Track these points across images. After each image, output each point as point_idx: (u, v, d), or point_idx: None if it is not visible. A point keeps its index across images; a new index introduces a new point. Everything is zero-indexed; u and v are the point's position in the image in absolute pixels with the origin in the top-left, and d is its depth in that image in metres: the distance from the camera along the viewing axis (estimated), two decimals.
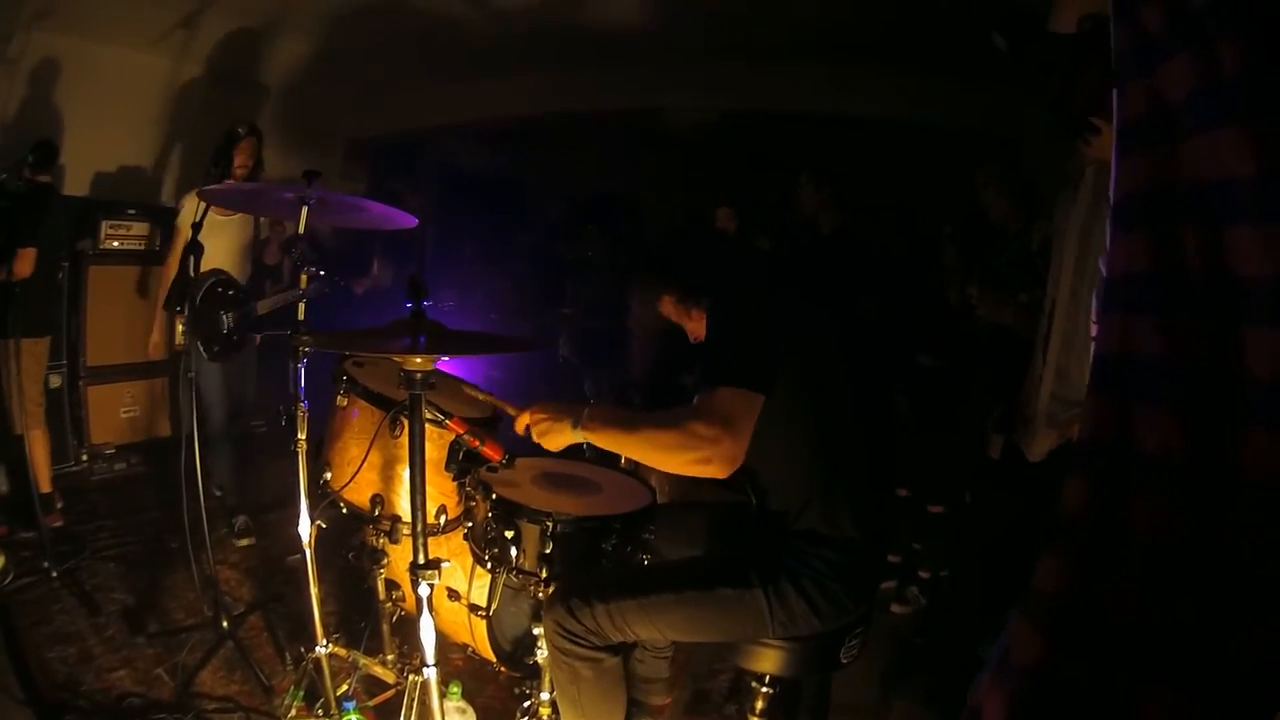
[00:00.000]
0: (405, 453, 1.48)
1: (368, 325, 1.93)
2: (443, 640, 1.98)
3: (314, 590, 1.87)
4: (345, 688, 1.95)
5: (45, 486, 2.96)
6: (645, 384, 2.92)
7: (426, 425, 1.44)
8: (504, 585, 1.70)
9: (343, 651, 2.00)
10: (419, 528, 1.39)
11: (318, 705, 1.89)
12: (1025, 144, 3.60)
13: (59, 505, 3.10)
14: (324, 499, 1.86)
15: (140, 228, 3.79)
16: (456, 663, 2.25)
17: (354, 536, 2.07)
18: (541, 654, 1.63)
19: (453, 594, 1.91)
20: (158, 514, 3.26)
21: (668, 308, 1.69)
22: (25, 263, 2.75)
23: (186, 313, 2.27)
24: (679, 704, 2.15)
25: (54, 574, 2.55)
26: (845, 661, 1.54)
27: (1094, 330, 0.73)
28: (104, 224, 3.66)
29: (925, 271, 3.09)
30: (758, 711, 1.59)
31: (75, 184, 3.84)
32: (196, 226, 2.17)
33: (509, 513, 1.61)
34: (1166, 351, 0.62)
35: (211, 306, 2.85)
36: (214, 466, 3.03)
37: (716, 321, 1.54)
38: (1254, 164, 0.56)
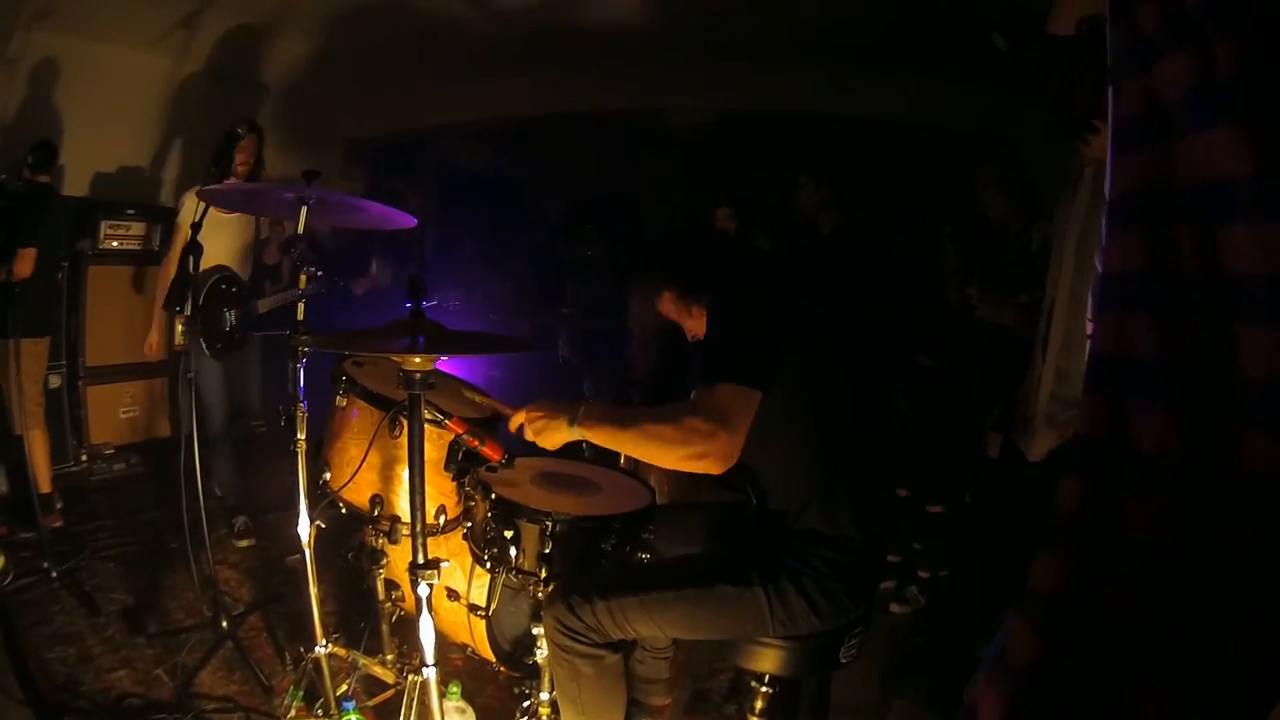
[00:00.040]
0: (404, 453, 1.48)
1: (367, 325, 1.93)
2: (442, 640, 1.98)
3: (313, 590, 1.87)
4: (345, 688, 1.95)
5: (45, 487, 2.96)
6: (645, 384, 2.92)
7: (426, 425, 1.44)
8: (503, 585, 1.70)
9: (342, 651, 2.00)
10: (418, 528, 1.39)
11: (317, 705, 1.89)
12: (1025, 144, 3.60)
13: (58, 505, 3.10)
14: (323, 499, 1.86)
15: (139, 228, 3.80)
16: (456, 663, 2.25)
17: (353, 537, 2.07)
18: (541, 654, 1.63)
19: (452, 594, 1.91)
20: (157, 514, 3.26)
21: (667, 305, 1.69)
22: (25, 263, 2.75)
23: (188, 311, 2.27)
24: (679, 704, 2.15)
25: (53, 574, 2.55)
26: (844, 661, 1.54)
27: (1090, 329, 0.73)
28: (103, 224, 3.67)
29: (925, 272, 3.09)
30: (757, 711, 1.59)
31: (75, 184, 3.84)
32: (196, 226, 2.16)
33: (508, 513, 1.61)
34: (1162, 350, 0.62)
35: (214, 303, 2.85)
36: (214, 467, 3.03)
37: (716, 319, 1.55)
38: (1249, 163, 0.57)
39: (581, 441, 2.51)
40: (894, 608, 2.95)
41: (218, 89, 4.31)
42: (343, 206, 1.99)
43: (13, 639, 2.19)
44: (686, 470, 1.41)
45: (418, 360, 1.36)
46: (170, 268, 2.81)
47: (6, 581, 2.51)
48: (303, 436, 1.84)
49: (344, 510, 1.85)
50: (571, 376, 3.90)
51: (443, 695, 1.63)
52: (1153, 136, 0.64)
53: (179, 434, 3.37)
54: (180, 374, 2.30)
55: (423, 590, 1.37)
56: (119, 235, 3.73)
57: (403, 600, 2.04)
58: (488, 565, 1.67)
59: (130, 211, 3.78)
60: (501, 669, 2.00)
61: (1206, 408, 0.60)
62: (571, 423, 1.51)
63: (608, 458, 2.33)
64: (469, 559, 1.80)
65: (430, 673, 1.38)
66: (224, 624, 2.21)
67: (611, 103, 4.80)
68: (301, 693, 1.92)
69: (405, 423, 1.49)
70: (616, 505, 1.70)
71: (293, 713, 1.89)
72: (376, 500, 1.79)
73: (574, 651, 1.48)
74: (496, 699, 2.15)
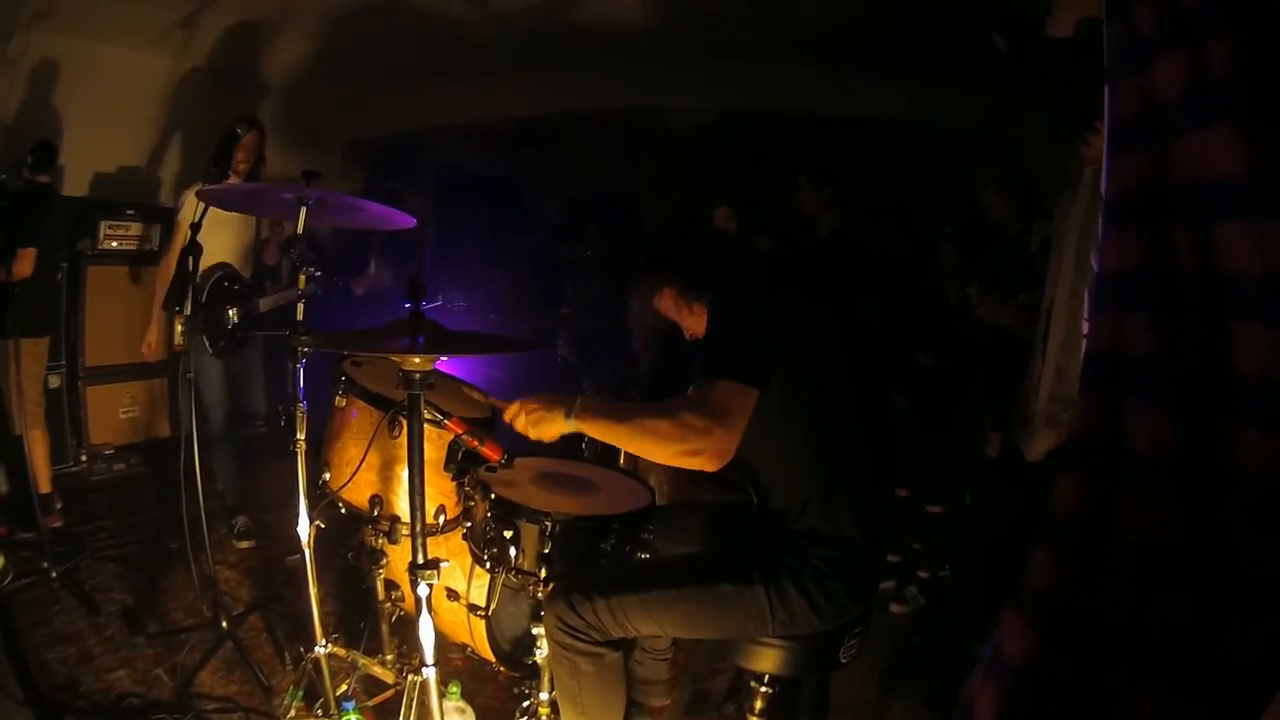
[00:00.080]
0: (404, 453, 1.48)
1: (367, 326, 1.93)
2: (442, 640, 1.98)
3: (313, 590, 1.87)
4: (344, 688, 1.95)
5: (45, 487, 2.96)
6: (645, 383, 2.92)
7: (425, 425, 1.44)
8: (503, 585, 1.70)
9: (342, 651, 2.00)
10: (418, 528, 1.39)
11: (317, 705, 1.89)
12: (1025, 144, 3.60)
13: (58, 506, 3.10)
14: (323, 499, 1.86)
15: (139, 228, 3.80)
16: (456, 663, 2.25)
17: (353, 537, 2.07)
18: (540, 654, 1.63)
19: (452, 594, 1.91)
20: (157, 514, 3.26)
21: (667, 301, 1.69)
22: (25, 263, 2.75)
23: (189, 310, 2.26)
24: (678, 704, 2.15)
25: (53, 574, 2.55)
26: (844, 661, 1.54)
27: (1086, 328, 0.74)
28: (103, 224, 3.67)
29: (925, 272, 3.09)
30: (757, 711, 1.59)
31: (74, 184, 3.84)
32: (196, 226, 2.16)
33: (508, 513, 1.61)
34: (1157, 349, 0.63)
35: (216, 301, 2.84)
36: (215, 468, 3.03)
37: (716, 316, 1.55)
38: (1245, 162, 0.57)
39: (581, 441, 2.52)
40: (894, 608, 2.95)
41: (217, 89, 4.31)
42: (342, 207, 1.99)
43: (13, 639, 2.20)
44: (681, 466, 1.42)
45: (417, 360, 1.36)
46: (170, 266, 2.80)
47: (6, 581, 2.51)
48: (302, 436, 1.84)
49: (343, 510, 1.85)
50: (571, 376, 3.90)
51: (442, 695, 1.63)
52: (1149, 136, 0.64)
53: (179, 434, 3.36)
54: (180, 374, 2.30)
55: (422, 590, 1.37)
56: (118, 235, 3.73)
57: (402, 600, 2.04)
58: (487, 565, 1.67)
59: (130, 212, 3.78)
60: (501, 669, 2.00)
61: (1202, 406, 0.61)
62: (568, 414, 1.50)
63: (608, 458, 2.33)
64: (468, 559, 1.80)
65: (430, 673, 1.38)
66: (224, 624, 2.21)
67: (611, 103, 4.80)
68: (301, 693, 1.92)
69: (405, 423, 1.49)
70: (616, 505, 1.70)
71: (292, 713, 1.89)
72: (376, 500, 1.79)
73: (574, 649, 1.48)
74: (496, 699, 2.15)
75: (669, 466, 1.58)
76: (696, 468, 1.40)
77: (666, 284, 1.69)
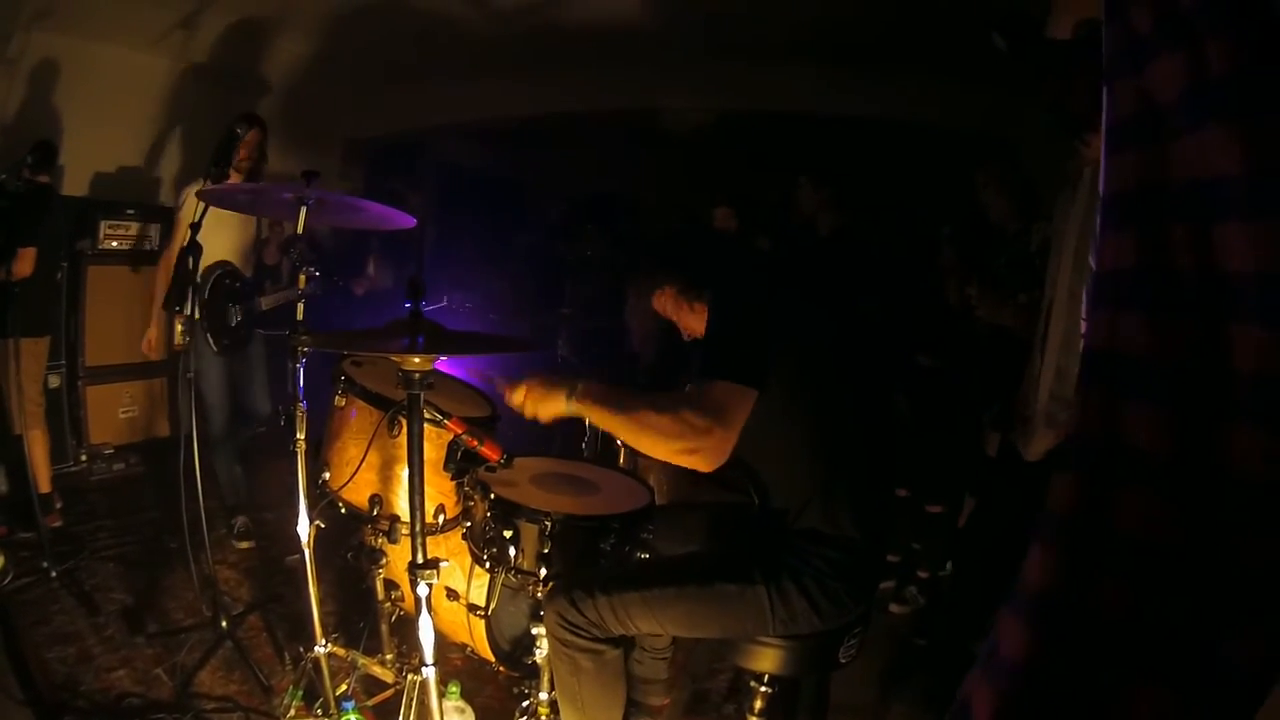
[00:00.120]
0: (404, 452, 1.48)
1: (367, 326, 1.93)
2: (441, 640, 1.98)
3: (313, 590, 1.87)
4: (344, 687, 1.95)
5: (44, 486, 2.96)
6: (644, 382, 2.92)
7: (425, 425, 1.44)
8: (502, 585, 1.70)
9: (341, 651, 2.00)
10: (417, 527, 1.39)
11: (316, 705, 1.89)
12: (1025, 144, 3.60)
13: (58, 505, 3.10)
14: (323, 499, 1.86)
15: (139, 228, 3.80)
16: (455, 662, 2.25)
17: (353, 536, 2.07)
18: (540, 654, 1.63)
19: (451, 594, 1.91)
20: (157, 514, 3.26)
21: (667, 300, 1.69)
22: (25, 262, 2.75)
23: (191, 309, 2.26)
24: (678, 704, 2.15)
25: (53, 574, 2.55)
26: (844, 661, 1.54)
27: (1083, 327, 0.74)
28: (103, 224, 3.67)
29: (925, 272, 3.09)
30: (756, 711, 1.59)
31: (74, 184, 3.84)
32: (195, 226, 2.16)
33: (507, 512, 1.61)
34: (1154, 348, 0.63)
35: (219, 299, 2.84)
36: (215, 468, 3.03)
37: (716, 316, 1.54)
38: (1242, 162, 0.57)
39: (581, 440, 2.52)
40: (893, 608, 2.95)
41: (217, 89, 4.32)
42: (342, 207, 1.99)
43: (12, 639, 2.19)
44: (676, 463, 1.42)
45: (417, 360, 1.36)
46: (170, 263, 2.80)
47: (6, 581, 2.51)
48: (302, 436, 1.84)
49: (343, 510, 1.85)
50: (571, 375, 3.89)
51: (442, 695, 1.63)
52: (1147, 136, 0.64)
53: (179, 434, 3.37)
54: (180, 374, 2.30)
55: (422, 590, 1.37)
56: (118, 235, 3.73)
57: (402, 600, 2.05)
58: (487, 565, 1.67)
59: (130, 211, 3.78)
60: (501, 669, 2.00)
61: (1198, 406, 0.61)
62: (569, 396, 1.50)
63: (607, 458, 2.34)
64: (468, 559, 1.80)
65: (429, 672, 1.38)
66: (223, 624, 2.21)
67: (611, 103, 4.80)
68: (301, 692, 1.92)
69: (404, 422, 1.49)
70: (615, 505, 1.70)
71: (292, 712, 1.89)
72: (376, 500, 1.79)
73: (575, 646, 1.48)
74: (496, 699, 2.15)
75: (669, 466, 1.58)
76: (690, 466, 1.40)
77: (668, 282, 1.68)
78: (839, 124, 4.38)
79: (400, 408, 1.68)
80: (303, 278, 1.91)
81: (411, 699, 1.65)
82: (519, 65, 4.62)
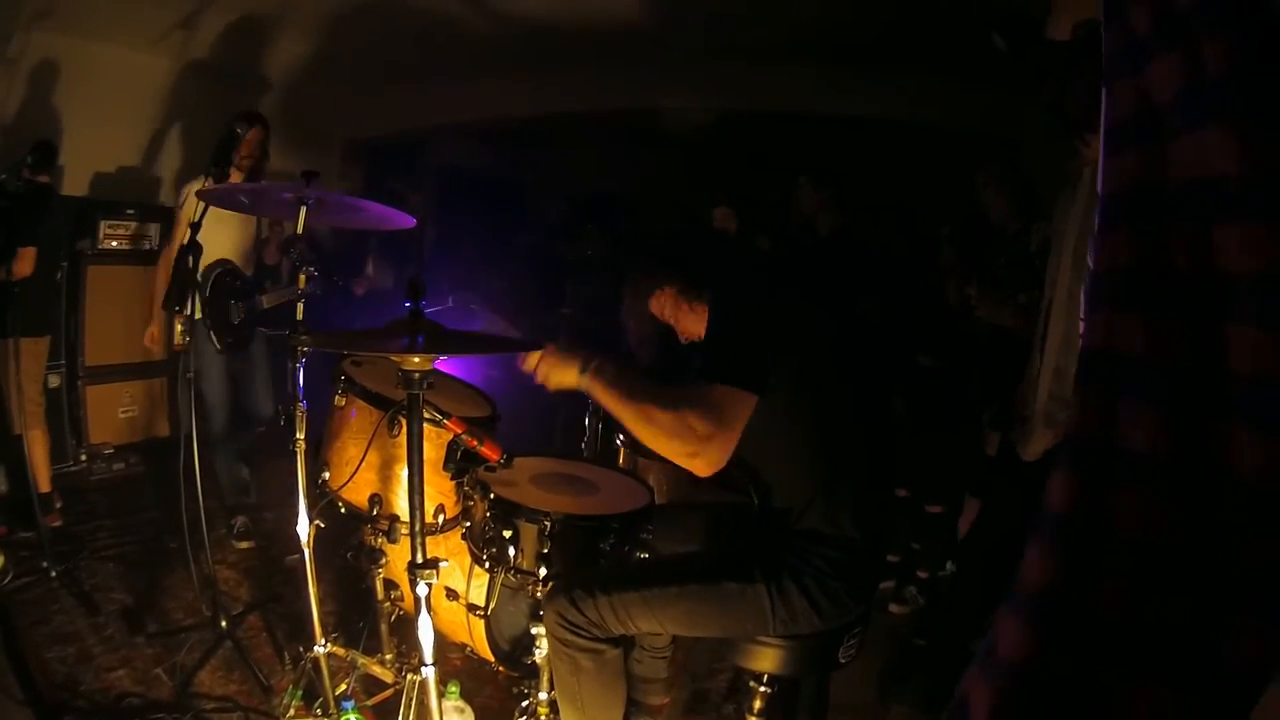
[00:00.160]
0: (403, 452, 1.48)
1: (366, 326, 1.93)
2: (441, 640, 1.98)
3: (312, 590, 1.87)
4: (344, 687, 1.96)
5: (44, 486, 2.96)
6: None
7: (424, 425, 1.44)
8: (502, 585, 1.70)
9: (341, 651, 2.00)
10: (417, 527, 1.39)
11: (316, 705, 1.89)
12: (1025, 144, 3.61)
13: (58, 505, 3.10)
14: (322, 499, 1.86)
15: (139, 228, 3.80)
16: (455, 662, 2.25)
17: (352, 536, 2.07)
18: (539, 653, 1.63)
19: (451, 593, 1.91)
20: (156, 514, 3.26)
21: (666, 301, 1.68)
22: (25, 262, 2.75)
23: (191, 308, 2.25)
24: (677, 703, 2.15)
25: (53, 574, 2.55)
26: (843, 661, 1.54)
27: (1081, 327, 0.74)
28: (102, 224, 3.67)
29: (924, 272, 3.09)
30: (756, 711, 1.59)
31: (74, 184, 3.84)
32: (195, 226, 2.16)
33: (507, 512, 1.61)
34: (1150, 348, 0.63)
35: (220, 296, 2.83)
36: (216, 468, 3.03)
37: (718, 317, 1.54)
38: (1239, 163, 0.57)
39: (581, 440, 2.52)
40: (893, 608, 2.95)
41: (217, 89, 4.32)
42: (342, 207, 1.99)
43: (12, 638, 2.19)
44: (674, 461, 1.42)
45: (416, 360, 1.36)
46: (169, 261, 2.79)
47: (6, 581, 2.51)
48: (302, 436, 1.85)
49: (343, 510, 1.86)
50: None
51: (441, 695, 1.63)
52: (1145, 137, 0.64)
53: (178, 434, 3.37)
54: (180, 373, 2.30)
55: (421, 590, 1.37)
56: (118, 235, 3.73)
57: (402, 600, 2.05)
58: (486, 565, 1.68)
59: (129, 211, 3.78)
60: (500, 669, 2.00)
61: (1196, 406, 0.61)
62: (583, 371, 1.50)
63: (607, 457, 2.34)
64: (468, 558, 1.80)
65: (429, 672, 1.38)
66: (223, 623, 2.21)
67: (611, 103, 4.80)
68: (300, 692, 1.92)
69: (404, 422, 1.49)
70: (615, 505, 1.70)
71: (291, 712, 1.89)
72: (375, 500, 1.79)
73: (575, 645, 1.48)
74: (495, 699, 2.16)
75: (669, 466, 1.58)
76: (687, 468, 1.40)
77: (667, 283, 1.67)
78: (839, 124, 4.38)
79: (400, 407, 1.68)
80: (302, 278, 1.91)
81: (411, 699, 1.65)
82: (519, 65, 4.62)
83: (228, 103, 3.87)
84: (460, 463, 1.64)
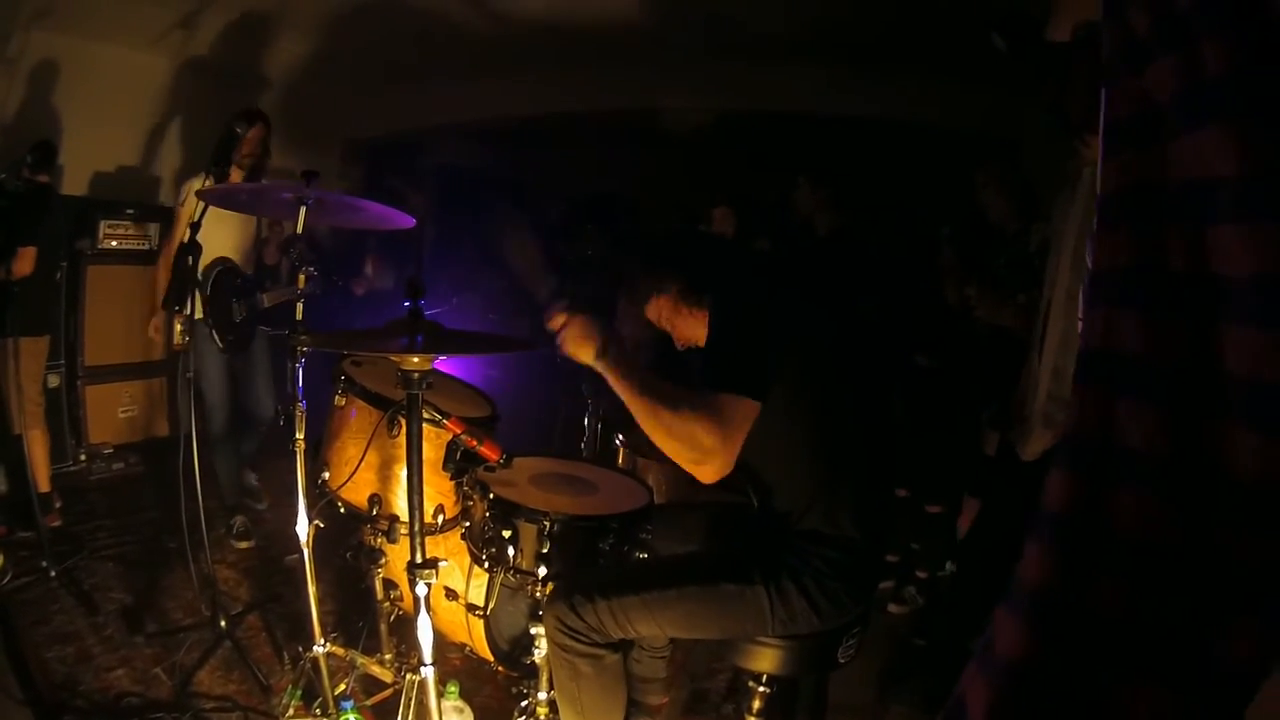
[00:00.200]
0: (403, 452, 1.48)
1: (367, 326, 1.93)
2: (440, 639, 1.98)
3: (312, 590, 1.87)
4: (343, 687, 1.96)
5: (44, 486, 2.96)
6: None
7: (424, 425, 1.44)
8: (501, 585, 1.70)
9: (340, 651, 2.00)
10: (416, 527, 1.39)
11: (315, 704, 1.89)
12: (1025, 145, 3.60)
13: (57, 505, 3.10)
14: (322, 498, 1.86)
15: (138, 227, 3.80)
16: (454, 662, 2.25)
17: (352, 536, 2.08)
18: (539, 653, 1.63)
19: (450, 593, 1.91)
20: (156, 514, 3.26)
21: (663, 305, 1.67)
22: (25, 261, 2.75)
23: (191, 307, 2.25)
24: (676, 703, 2.15)
25: (52, 573, 2.55)
26: (843, 661, 1.54)
27: (1079, 326, 0.74)
28: (102, 224, 3.67)
29: (924, 272, 3.09)
30: (755, 711, 1.59)
31: (74, 184, 3.84)
32: (195, 225, 2.16)
33: (506, 512, 1.61)
34: (1148, 347, 0.63)
35: (221, 295, 2.82)
36: (215, 467, 3.03)
37: (719, 323, 1.54)
38: (1237, 164, 0.57)
39: (580, 440, 2.52)
40: (892, 608, 2.95)
41: (216, 88, 4.32)
42: (342, 206, 1.99)
43: (12, 638, 2.20)
44: (679, 465, 1.41)
45: (416, 360, 1.37)
46: (169, 258, 2.79)
47: (6, 580, 2.51)
48: (301, 436, 1.85)
49: (342, 510, 1.86)
50: (570, 376, 3.90)
51: (441, 694, 1.63)
52: (1144, 137, 0.65)
53: (178, 433, 3.37)
54: (179, 373, 2.30)
55: (421, 590, 1.37)
56: (118, 235, 3.73)
57: (401, 600, 2.05)
58: (486, 565, 1.68)
59: (129, 211, 3.78)
60: (499, 668, 2.00)
61: (1193, 405, 0.61)
62: (599, 356, 1.47)
63: (606, 457, 2.34)
64: (467, 558, 1.80)
65: (428, 672, 1.39)
66: (222, 623, 2.21)
67: (611, 103, 4.80)
68: (300, 692, 1.92)
69: (404, 422, 1.49)
70: (614, 505, 1.70)
71: (291, 712, 1.89)
72: (375, 500, 1.79)
73: (574, 651, 1.48)
74: (494, 698, 2.16)
75: (668, 465, 1.57)
76: (692, 473, 1.40)
77: (665, 287, 1.66)
78: (839, 124, 4.38)
79: (399, 407, 1.68)
80: (302, 277, 1.91)
81: (410, 698, 1.65)
82: (519, 65, 4.62)
83: (227, 102, 3.86)
84: (460, 463, 1.65)
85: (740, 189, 3.63)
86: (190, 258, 2.16)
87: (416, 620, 1.38)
